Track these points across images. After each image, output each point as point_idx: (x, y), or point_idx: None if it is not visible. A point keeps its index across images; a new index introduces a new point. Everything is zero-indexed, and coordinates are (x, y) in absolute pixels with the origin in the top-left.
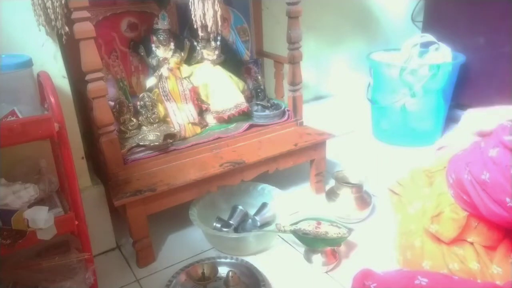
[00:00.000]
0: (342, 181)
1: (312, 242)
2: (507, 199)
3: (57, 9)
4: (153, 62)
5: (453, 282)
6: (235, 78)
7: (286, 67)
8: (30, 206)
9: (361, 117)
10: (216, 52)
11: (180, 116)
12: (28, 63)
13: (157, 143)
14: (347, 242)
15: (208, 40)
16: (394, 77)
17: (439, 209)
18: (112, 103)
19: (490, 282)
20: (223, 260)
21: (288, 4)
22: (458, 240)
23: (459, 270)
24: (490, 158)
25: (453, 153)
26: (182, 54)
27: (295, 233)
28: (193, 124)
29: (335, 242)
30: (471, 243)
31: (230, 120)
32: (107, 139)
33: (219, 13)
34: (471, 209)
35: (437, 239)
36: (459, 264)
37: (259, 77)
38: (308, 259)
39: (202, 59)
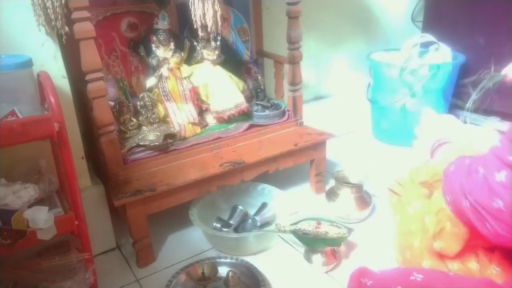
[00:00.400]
0: (342, 181)
1: (312, 242)
2: None
3: (57, 9)
4: (153, 62)
5: (449, 277)
6: (235, 78)
7: (286, 67)
8: (30, 206)
9: (361, 117)
10: (216, 52)
11: (180, 116)
12: (28, 63)
13: (157, 143)
14: (347, 242)
15: (208, 40)
16: (394, 77)
17: (440, 226)
18: (112, 103)
19: (486, 278)
20: (223, 260)
21: (288, 4)
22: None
23: (458, 270)
24: (500, 184)
25: (448, 160)
26: (182, 54)
27: (295, 233)
28: (193, 124)
29: (335, 242)
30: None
31: (230, 120)
32: (107, 139)
33: (219, 13)
34: (471, 229)
35: (440, 255)
36: (459, 265)
37: (259, 77)
38: (308, 259)
39: (202, 59)
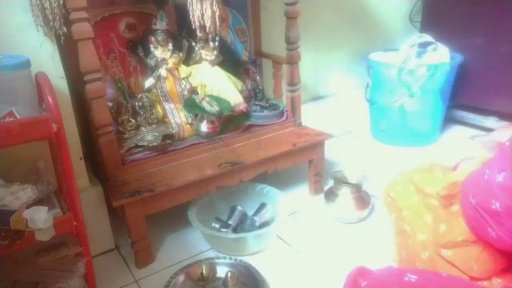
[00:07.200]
0: (341, 181)
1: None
2: None
3: (55, 9)
4: (152, 62)
5: (442, 278)
6: (233, 79)
7: (285, 68)
8: (28, 207)
9: (359, 118)
10: (215, 53)
11: (179, 116)
12: (26, 64)
13: (155, 144)
14: (347, 242)
15: (206, 41)
16: (392, 77)
17: (453, 236)
18: (110, 104)
19: (476, 283)
20: (221, 260)
21: (286, 4)
22: None
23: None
24: (498, 185)
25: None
26: (181, 54)
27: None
28: (192, 124)
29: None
30: None
31: None
32: (106, 140)
33: (217, 14)
34: (478, 236)
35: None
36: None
37: (258, 78)
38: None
39: (200, 60)
